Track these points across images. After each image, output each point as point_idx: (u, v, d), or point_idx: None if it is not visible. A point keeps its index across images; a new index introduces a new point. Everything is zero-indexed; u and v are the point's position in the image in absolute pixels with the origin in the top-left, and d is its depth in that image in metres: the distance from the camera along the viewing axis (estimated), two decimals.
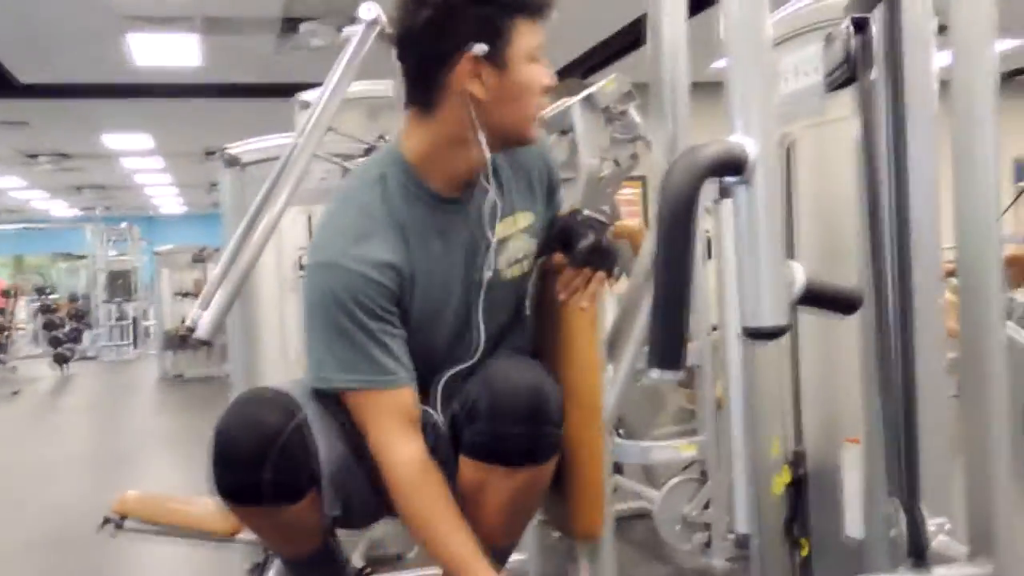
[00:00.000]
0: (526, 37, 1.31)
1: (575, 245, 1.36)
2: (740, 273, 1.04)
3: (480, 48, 1.29)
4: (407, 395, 1.35)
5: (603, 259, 1.38)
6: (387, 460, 1.32)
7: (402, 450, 1.32)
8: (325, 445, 1.35)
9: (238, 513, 1.36)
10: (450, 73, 1.30)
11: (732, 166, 1.02)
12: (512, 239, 1.41)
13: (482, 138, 1.31)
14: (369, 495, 1.38)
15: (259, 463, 1.28)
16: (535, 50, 1.32)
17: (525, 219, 1.42)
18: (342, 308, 1.31)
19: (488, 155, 1.34)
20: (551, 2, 1.34)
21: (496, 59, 1.29)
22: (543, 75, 1.34)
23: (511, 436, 1.23)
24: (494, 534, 1.32)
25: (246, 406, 1.33)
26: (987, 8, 1.50)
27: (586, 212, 1.40)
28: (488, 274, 1.37)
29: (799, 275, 1.10)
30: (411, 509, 1.33)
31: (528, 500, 1.30)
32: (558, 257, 1.40)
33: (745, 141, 1.04)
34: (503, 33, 1.29)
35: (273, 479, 1.29)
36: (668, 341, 0.99)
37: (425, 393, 1.41)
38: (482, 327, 1.40)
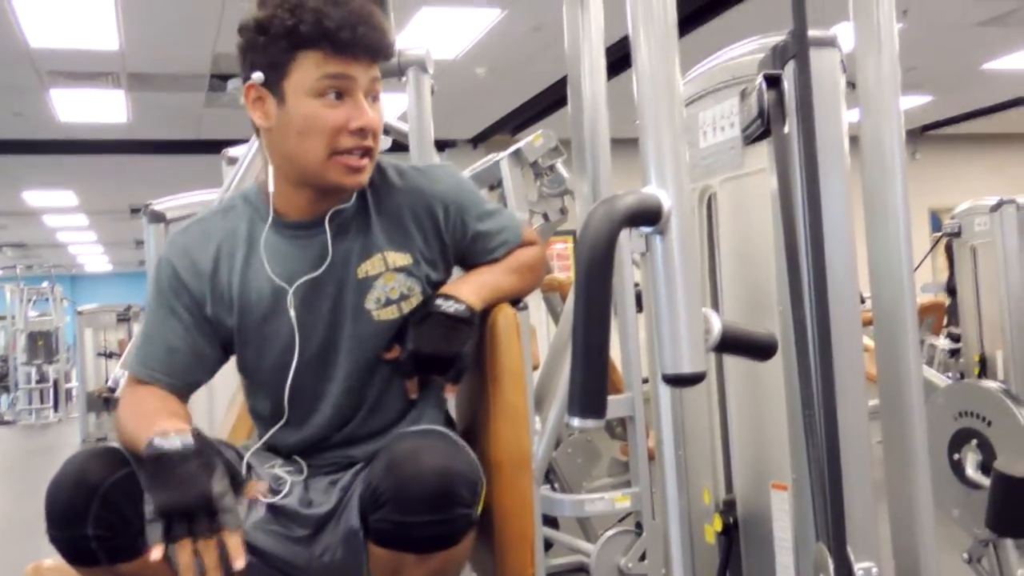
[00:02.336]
0: (309, 71, 1.25)
1: (403, 347, 1.32)
2: (658, 321, 1.06)
3: (257, 76, 1.29)
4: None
5: (430, 367, 1.33)
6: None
7: None
8: None
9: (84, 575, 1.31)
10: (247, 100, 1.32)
11: (647, 216, 1.05)
12: (382, 278, 1.34)
13: (271, 169, 1.32)
14: None
15: (82, 517, 1.24)
16: (322, 85, 1.26)
17: (400, 259, 1.36)
18: (152, 296, 1.40)
19: (271, 188, 1.35)
20: (340, 37, 1.24)
21: (274, 90, 1.28)
22: (331, 113, 1.26)
23: (419, 524, 1.17)
24: None
25: (72, 461, 1.30)
26: (891, 67, 1.57)
27: (439, 303, 1.32)
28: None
29: (715, 322, 1.12)
30: (120, 421, 1.34)
31: None
32: (392, 352, 1.36)
33: (659, 192, 1.07)
34: (281, 65, 1.26)
35: (97, 534, 1.24)
36: (589, 389, 1.00)
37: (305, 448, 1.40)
38: (341, 367, 1.37)
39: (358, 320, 1.35)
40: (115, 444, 1.35)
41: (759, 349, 1.30)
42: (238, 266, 1.38)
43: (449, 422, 1.49)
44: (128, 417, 1.34)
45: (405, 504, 1.17)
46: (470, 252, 1.47)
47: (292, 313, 1.33)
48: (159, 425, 1.24)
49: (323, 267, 1.33)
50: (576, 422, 1.01)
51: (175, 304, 1.38)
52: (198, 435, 1.23)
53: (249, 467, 1.35)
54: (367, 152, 1.28)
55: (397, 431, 1.38)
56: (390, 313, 1.34)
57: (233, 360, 1.49)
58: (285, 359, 1.38)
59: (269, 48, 1.27)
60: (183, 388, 1.42)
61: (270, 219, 1.36)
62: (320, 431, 1.41)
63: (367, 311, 1.34)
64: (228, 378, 2.97)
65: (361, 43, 1.25)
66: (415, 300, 1.36)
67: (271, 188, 1.36)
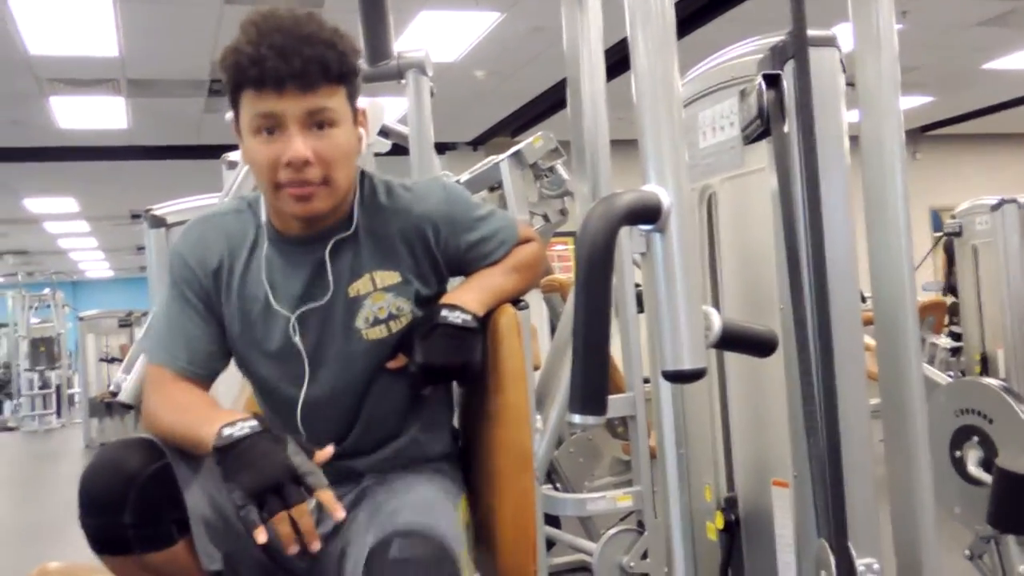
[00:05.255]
0: (247, 109, 1.27)
1: (412, 359, 1.33)
2: (659, 318, 1.07)
3: (228, 116, 1.34)
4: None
5: (442, 378, 1.34)
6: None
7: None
8: (199, 494, 1.31)
9: (110, 565, 1.32)
10: None
11: (647, 214, 1.05)
12: (371, 298, 1.35)
13: (263, 202, 1.38)
14: (258, 554, 1.34)
15: (119, 505, 1.25)
16: (256, 123, 1.26)
17: (388, 278, 1.36)
18: (168, 286, 1.43)
19: (264, 218, 1.39)
20: (257, 74, 1.24)
21: (238, 128, 1.32)
22: (265, 150, 1.26)
23: None
24: None
25: (108, 450, 1.31)
26: (890, 67, 1.57)
27: (444, 314, 1.31)
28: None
29: (715, 319, 1.13)
30: (156, 414, 1.36)
31: None
32: (397, 361, 1.37)
33: (659, 190, 1.08)
34: (235, 104, 1.30)
35: (134, 522, 1.25)
36: (589, 385, 1.01)
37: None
38: (331, 384, 1.38)
39: (349, 339, 1.36)
40: (148, 436, 1.35)
41: (759, 345, 1.30)
42: (239, 271, 1.40)
43: (452, 429, 1.50)
44: (167, 411, 1.36)
45: None
46: (467, 261, 1.47)
47: (297, 340, 1.37)
48: (216, 415, 1.27)
49: (327, 296, 1.36)
50: (577, 419, 1.02)
51: (189, 294, 1.41)
52: (257, 417, 1.27)
53: None
54: (310, 182, 1.27)
55: (402, 442, 1.41)
56: (379, 332, 1.35)
57: (232, 365, 1.50)
58: (281, 372, 1.40)
59: (226, 88, 1.31)
60: (207, 377, 1.44)
61: (267, 232, 1.40)
62: (317, 444, 1.41)
63: (357, 330, 1.35)
64: (229, 378, 2.99)
65: (285, 76, 1.23)
66: (404, 319, 1.36)
67: (263, 205, 1.42)
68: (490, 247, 1.47)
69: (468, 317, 1.30)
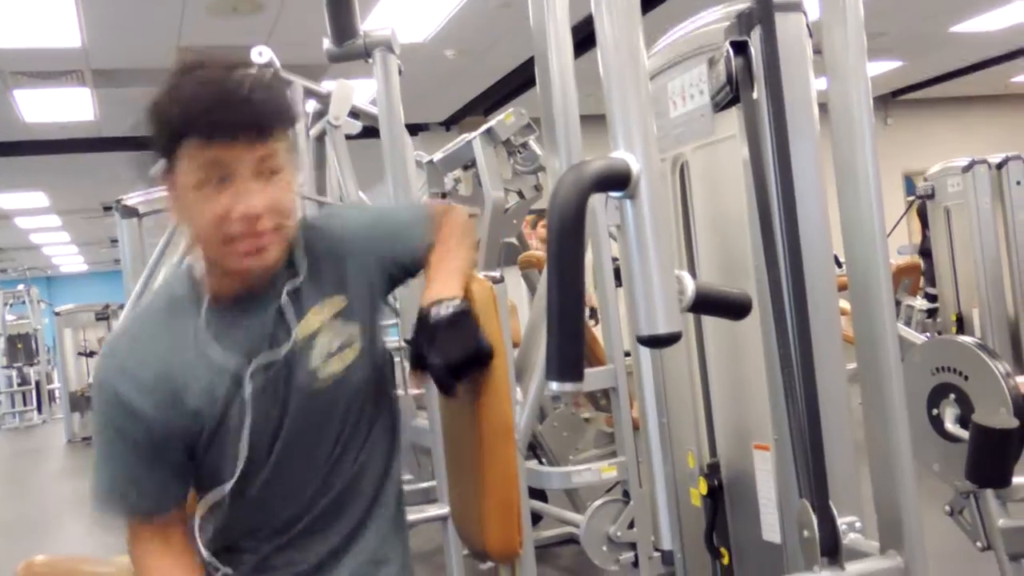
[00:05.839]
0: (190, 160, 1.17)
1: (429, 367, 1.25)
2: (632, 284, 1.07)
3: (156, 169, 1.23)
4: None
5: (467, 368, 1.25)
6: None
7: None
8: None
9: None
10: None
11: (616, 181, 1.05)
12: (321, 333, 1.26)
13: (200, 259, 1.26)
14: None
15: None
16: (201, 175, 1.16)
17: (335, 304, 1.28)
18: (99, 426, 1.34)
19: (197, 272, 1.28)
20: (210, 122, 1.15)
21: (171, 181, 1.21)
22: (214, 204, 1.16)
23: None
24: None
25: None
26: (856, 32, 1.58)
27: (435, 312, 1.25)
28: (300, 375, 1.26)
29: (688, 283, 1.13)
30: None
31: None
32: (415, 376, 1.28)
33: (627, 157, 1.08)
34: (170, 155, 1.20)
35: None
36: (565, 353, 1.01)
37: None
38: (284, 433, 1.26)
39: (306, 381, 1.26)
40: None
41: (733, 308, 1.31)
42: (190, 362, 1.25)
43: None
44: None
45: None
46: (404, 260, 1.39)
47: (248, 401, 1.24)
48: None
49: (287, 347, 1.24)
50: (554, 386, 1.02)
51: (125, 436, 1.27)
52: None
53: None
54: (265, 232, 1.19)
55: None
56: (334, 366, 1.26)
57: None
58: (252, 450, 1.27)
59: (159, 138, 1.21)
60: (178, 511, 1.32)
61: (206, 305, 1.27)
62: (300, 530, 1.32)
63: (312, 371, 1.25)
64: None
65: (238, 124, 1.15)
66: (355, 350, 1.28)
67: (197, 273, 1.29)
68: (415, 232, 1.39)
69: (456, 303, 1.25)
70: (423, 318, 1.25)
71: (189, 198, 1.18)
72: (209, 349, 1.24)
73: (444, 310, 1.24)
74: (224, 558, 1.31)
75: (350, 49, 2.75)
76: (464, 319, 1.22)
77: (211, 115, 1.15)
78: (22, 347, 11.83)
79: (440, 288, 1.28)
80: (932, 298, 5.55)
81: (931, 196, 5.40)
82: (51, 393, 12.21)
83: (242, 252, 1.19)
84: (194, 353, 1.24)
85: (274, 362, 1.25)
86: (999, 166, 5.06)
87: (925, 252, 5.72)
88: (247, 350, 1.24)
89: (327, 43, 2.79)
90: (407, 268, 1.39)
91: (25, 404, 11.87)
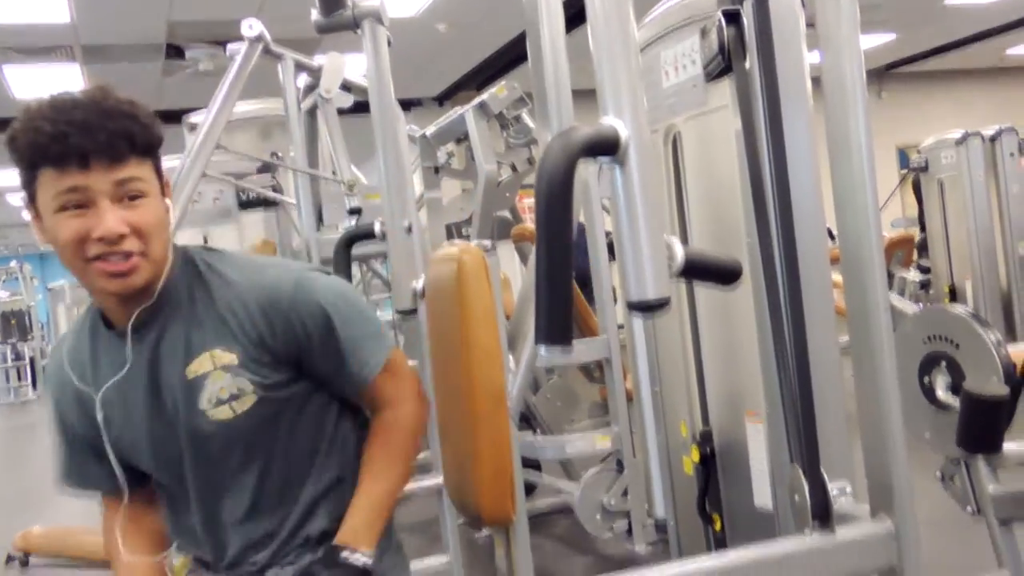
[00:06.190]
0: (47, 188, 1.18)
1: None
2: (622, 250, 1.07)
3: (24, 196, 1.24)
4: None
5: None
6: None
7: None
8: None
9: None
10: None
11: (605, 146, 1.05)
12: (211, 377, 1.26)
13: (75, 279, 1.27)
14: None
15: None
16: (59, 201, 1.17)
17: (224, 357, 1.26)
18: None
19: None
20: (58, 151, 1.16)
21: (34, 208, 1.22)
22: (72, 226, 1.17)
23: None
24: None
25: None
26: (849, 4, 1.57)
27: (344, 555, 1.26)
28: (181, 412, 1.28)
29: (678, 248, 1.14)
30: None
31: None
32: None
33: (616, 123, 1.08)
34: (30, 183, 1.21)
35: None
36: (554, 317, 1.01)
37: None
38: (190, 478, 1.31)
39: (196, 419, 1.27)
40: None
41: (723, 274, 1.31)
42: (88, 382, 1.32)
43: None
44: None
45: None
46: (332, 374, 1.32)
47: (100, 420, 1.30)
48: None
49: (123, 371, 1.27)
50: (544, 350, 1.03)
51: (65, 427, 1.38)
52: None
53: None
54: (129, 254, 1.19)
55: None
56: (223, 413, 1.26)
57: None
58: (155, 466, 1.34)
59: (18, 166, 1.22)
60: (137, 490, 1.38)
61: (99, 330, 1.32)
62: (213, 539, 1.35)
63: (201, 411, 1.27)
64: None
65: (90, 151, 1.16)
66: (248, 400, 1.27)
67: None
68: (363, 370, 1.31)
69: (365, 559, 1.26)
70: (334, 550, 1.27)
71: (51, 223, 1.19)
72: (88, 370, 1.31)
73: (353, 559, 1.25)
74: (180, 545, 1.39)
75: (338, 20, 2.73)
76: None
77: (60, 144, 1.16)
78: (15, 323, 11.84)
79: (361, 532, 1.28)
80: (925, 270, 5.57)
81: (925, 169, 5.40)
82: (44, 368, 12.22)
83: (107, 273, 1.20)
84: (96, 376, 1.31)
85: (126, 386, 1.28)
86: (992, 139, 5.07)
87: (920, 225, 5.74)
88: (104, 376, 1.30)
89: (315, 14, 2.77)
90: (329, 379, 1.33)
91: (20, 380, 11.89)
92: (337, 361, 1.30)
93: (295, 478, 1.31)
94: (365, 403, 1.36)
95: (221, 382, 1.26)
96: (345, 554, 1.26)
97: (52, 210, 1.18)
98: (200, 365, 1.26)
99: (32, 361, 11.92)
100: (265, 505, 1.30)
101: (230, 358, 1.26)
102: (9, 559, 1.52)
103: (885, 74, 10.95)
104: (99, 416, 1.29)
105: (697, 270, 1.21)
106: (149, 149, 1.23)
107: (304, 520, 1.32)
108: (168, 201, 1.27)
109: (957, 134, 5.16)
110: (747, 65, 1.63)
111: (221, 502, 1.31)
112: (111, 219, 1.17)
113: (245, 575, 1.32)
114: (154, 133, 1.24)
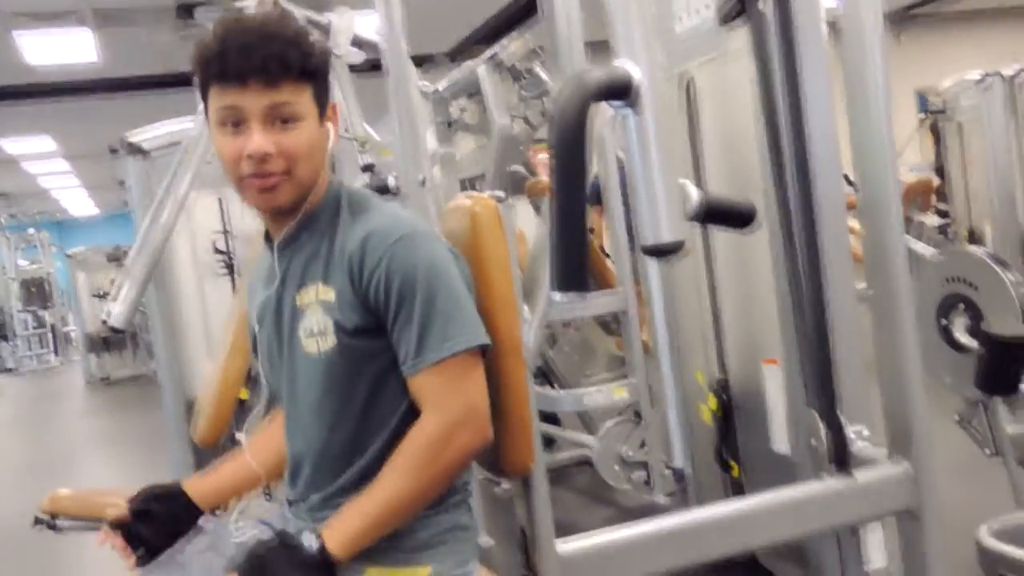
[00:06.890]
0: (214, 104, 1.27)
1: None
2: (637, 195, 1.07)
3: (201, 110, 1.34)
4: None
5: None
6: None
7: None
8: None
9: None
10: None
11: (617, 90, 1.04)
12: (310, 309, 1.29)
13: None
14: None
15: None
16: (220, 116, 1.26)
17: (325, 292, 1.29)
18: None
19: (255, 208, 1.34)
20: (219, 69, 1.24)
21: (208, 120, 1.31)
22: (229, 144, 1.26)
23: None
24: None
25: None
26: None
27: (306, 535, 1.22)
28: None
29: (693, 192, 1.13)
30: None
31: None
32: None
33: (629, 66, 1.07)
34: (205, 96, 1.29)
35: None
36: (569, 262, 1.01)
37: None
38: (285, 402, 1.37)
39: (295, 346, 1.31)
40: None
41: (739, 216, 1.31)
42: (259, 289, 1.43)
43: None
44: None
45: None
46: (393, 331, 1.27)
47: (255, 327, 1.40)
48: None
49: (273, 287, 1.34)
50: (559, 296, 1.03)
51: None
52: None
53: None
54: (273, 173, 1.26)
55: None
56: (311, 346, 1.29)
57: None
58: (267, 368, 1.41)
59: (197, 84, 1.30)
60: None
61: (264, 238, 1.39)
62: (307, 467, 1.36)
63: (299, 339, 1.31)
64: (222, 302, 3.00)
65: (246, 71, 1.23)
66: (330, 340, 1.27)
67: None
68: (408, 350, 1.25)
69: (315, 554, 1.20)
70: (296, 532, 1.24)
71: (215, 138, 1.28)
72: (256, 280, 1.42)
73: (308, 543, 1.19)
74: None
75: None
76: (307, 571, 1.19)
77: (221, 62, 1.23)
78: (36, 291, 11.93)
79: (343, 533, 1.21)
80: (944, 214, 5.51)
81: (943, 111, 5.32)
82: (67, 335, 12.34)
83: (254, 189, 1.27)
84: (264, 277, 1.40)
85: (270, 302, 1.35)
86: (1013, 78, 4.97)
87: (937, 169, 5.66)
88: (266, 290, 1.37)
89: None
90: (386, 335, 1.28)
91: (42, 347, 12.01)
92: (402, 335, 1.24)
93: (360, 444, 1.30)
94: (413, 398, 1.28)
95: (316, 316, 1.30)
96: (306, 535, 1.20)
97: (215, 125, 1.27)
98: (307, 295, 1.31)
99: (53, 328, 12.02)
100: (328, 455, 1.32)
101: (329, 295, 1.30)
102: (37, 521, 1.55)
103: (904, 16, 10.74)
104: (255, 324, 1.39)
105: (712, 213, 1.20)
106: (306, 74, 1.27)
107: (360, 483, 1.27)
108: (329, 125, 1.33)
109: (977, 75, 5.07)
110: (761, 6, 1.60)
111: (297, 435, 1.36)
112: (259, 139, 1.24)
113: (303, 513, 1.34)
114: (314, 61, 1.28)
